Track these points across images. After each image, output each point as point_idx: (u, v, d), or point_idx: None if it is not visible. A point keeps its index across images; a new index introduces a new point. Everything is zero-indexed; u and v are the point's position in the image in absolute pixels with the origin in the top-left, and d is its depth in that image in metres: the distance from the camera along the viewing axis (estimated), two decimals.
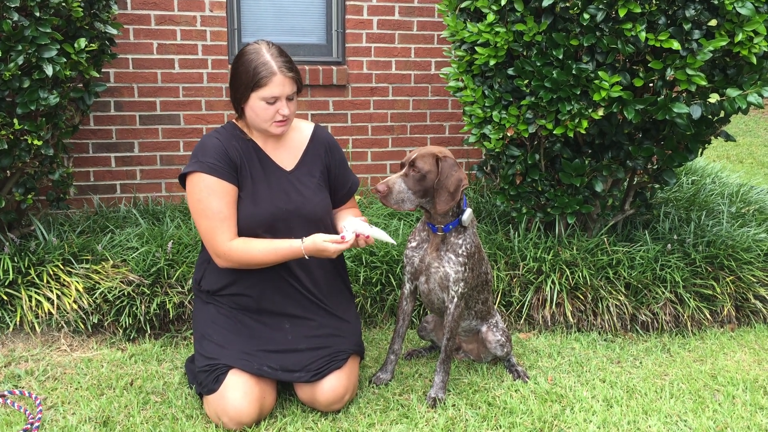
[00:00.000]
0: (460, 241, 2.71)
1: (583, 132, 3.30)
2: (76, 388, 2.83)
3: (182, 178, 2.60)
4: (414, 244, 2.82)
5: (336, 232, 2.74)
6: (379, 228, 2.66)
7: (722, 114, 3.38)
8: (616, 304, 3.47)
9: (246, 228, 2.59)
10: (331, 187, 2.81)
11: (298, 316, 2.69)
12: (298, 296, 2.69)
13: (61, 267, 3.33)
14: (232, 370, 2.53)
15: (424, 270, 2.78)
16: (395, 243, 2.70)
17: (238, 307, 2.67)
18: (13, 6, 2.94)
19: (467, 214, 2.70)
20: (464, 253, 2.71)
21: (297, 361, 2.60)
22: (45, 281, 3.24)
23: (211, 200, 2.53)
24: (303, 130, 2.80)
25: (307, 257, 2.56)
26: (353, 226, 2.58)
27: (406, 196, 2.61)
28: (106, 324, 3.27)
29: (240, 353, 2.58)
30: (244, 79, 2.51)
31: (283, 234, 2.61)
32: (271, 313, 2.67)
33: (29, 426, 2.49)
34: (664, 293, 3.51)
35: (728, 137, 3.63)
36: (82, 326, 3.22)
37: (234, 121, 2.70)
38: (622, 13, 3.01)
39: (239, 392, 2.49)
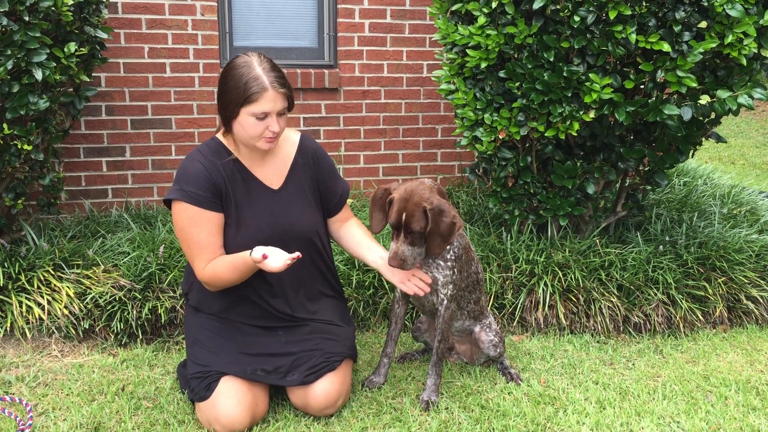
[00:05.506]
0: None
1: (575, 134, 3.31)
2: (67, 394, 2.81)
3: (167, 202, 2.56)
4: None
5: (329, 249, 2.81)
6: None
7: (713, 115, 3.39)
8: (608, 306, 3.47)
9: None
10: (322, 198, 2.77)
11: (289, 326, 2.68)
12: (279, 315, 2.67)
13: (52, 272, 3.31)
14: (225, 377, 2.52)
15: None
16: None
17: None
18: (1, 10, 2.93)
19: None
20: (452, 257, 2.71)
21: (290, 362, 2.59)
22: (36, 287, 3.22)
23: (193, 230, 2.50)
24: (289, 143, 2.73)
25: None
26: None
27: (416, 252, 2.61)
28: (97, 329, 3.25)
29: (233, 358, 2.57)
30: (233, 94, 2.41)
31: None
32: (261, 325, 2.67)
33: None
34: (656, 295, 3.51)
35: (719, 138, 3.64)
36: (73, 332, 3.21)
37: (219, 136, 2.63)
38: (612, 15, 3.02)
39: (231, 399, 2.48)
